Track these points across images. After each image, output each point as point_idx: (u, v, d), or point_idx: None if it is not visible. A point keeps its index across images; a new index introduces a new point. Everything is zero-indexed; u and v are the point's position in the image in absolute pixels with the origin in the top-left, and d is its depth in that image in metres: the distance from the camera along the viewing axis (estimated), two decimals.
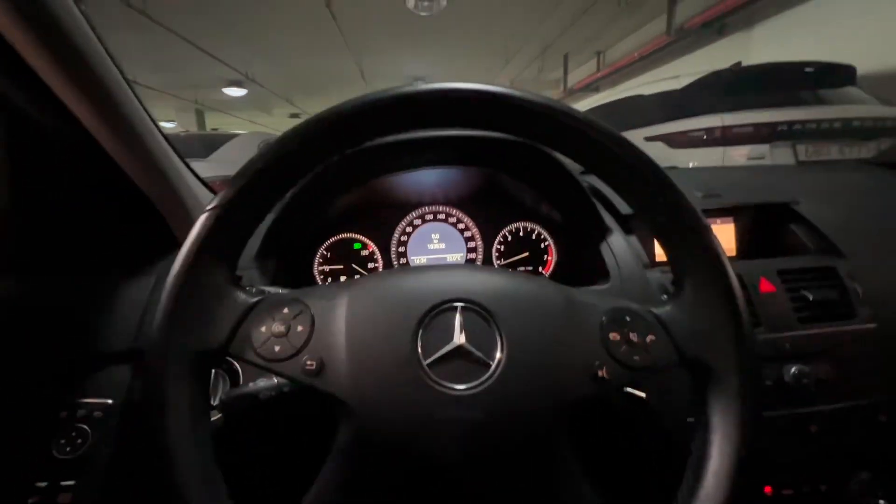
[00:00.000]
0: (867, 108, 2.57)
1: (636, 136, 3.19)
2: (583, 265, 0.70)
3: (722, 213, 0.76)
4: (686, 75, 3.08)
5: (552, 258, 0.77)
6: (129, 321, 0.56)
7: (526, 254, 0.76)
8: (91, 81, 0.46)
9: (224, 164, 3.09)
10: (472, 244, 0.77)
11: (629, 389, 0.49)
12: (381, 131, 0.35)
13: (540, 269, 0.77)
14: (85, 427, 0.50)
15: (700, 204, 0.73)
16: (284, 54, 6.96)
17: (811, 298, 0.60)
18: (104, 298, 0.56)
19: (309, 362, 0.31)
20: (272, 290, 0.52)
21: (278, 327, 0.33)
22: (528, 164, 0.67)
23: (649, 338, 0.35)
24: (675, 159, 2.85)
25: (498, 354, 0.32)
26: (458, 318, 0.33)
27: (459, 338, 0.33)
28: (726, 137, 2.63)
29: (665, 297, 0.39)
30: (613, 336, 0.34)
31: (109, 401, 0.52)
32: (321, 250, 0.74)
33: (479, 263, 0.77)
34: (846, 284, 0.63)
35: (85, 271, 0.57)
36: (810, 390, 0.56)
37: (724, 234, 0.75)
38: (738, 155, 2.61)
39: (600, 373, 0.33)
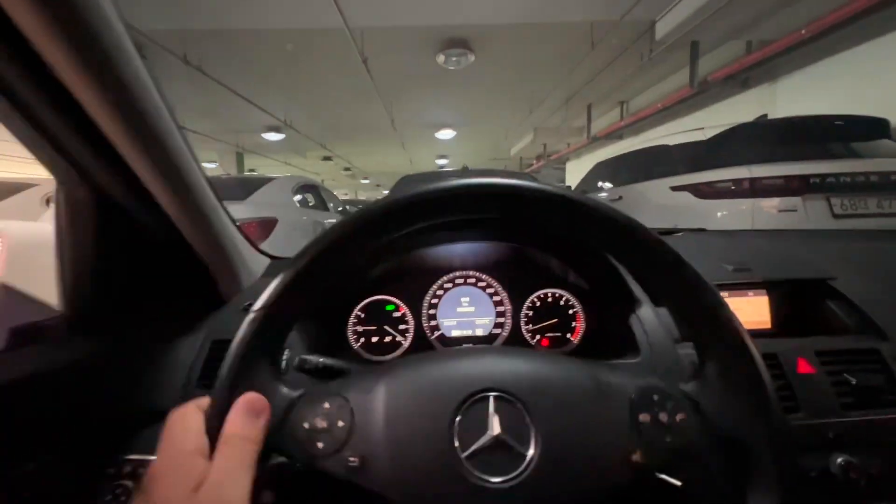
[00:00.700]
0: None
1: (662, 186, 3.21)
2: (612, 334, 0.70)
3: (754, 285, 0.75)
4: (711, 127, 3.11)
5: (580, 325, 0.77)
6: (176, 379, 0.59)
7: (555, 320, 0.77)
8: (168, 165, 0.52)
9: (260, 206, 3.27)
10: (500, 308, 0.79)
11: (664, 476, 0.48)
12: (387, 235, 0.37)
13: (568, 335, 0.77)
14: (129, 484, 0.52)
15: (730, 277, 0.73)
16: (320, 103, 7.47)
17: (854, 383, 0.58)
18: (155, 357, 0.60)
19: (352, 458, 0.32)
20: (311, 358, 0.55)
21: (321, 423, 0.34)
22: (558, 240, 0.70)
23: (679, 416, 0.35)
24: (703, 209, 2.83)
25: (532, 445, 0.33)
26: (491, 408, 0.34)
27: (495, 428, 0.33)
28: (755, 189, 2.61)
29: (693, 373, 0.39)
30: (644, 417, 0.35)
31: (153, 458, 0.54)
32: (356, 311, 0.77)
33: (507, 328, 0.78)
34: (892, 369, 0.60)
35: (143, 334, 0.61)
36: (860, 485, 0.53)
37: (758, 307, 0.75)
38: (769, 206, 2.57)
39: (634, 457, 0.33)
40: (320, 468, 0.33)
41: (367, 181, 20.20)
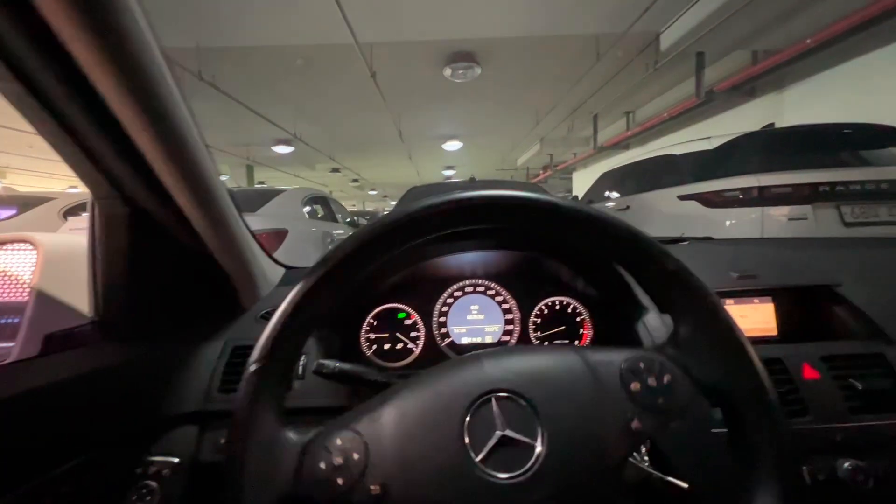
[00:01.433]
0: None
1: (669, 195, 3.21)
2: (619, 342, 0.72)
3: (760, 293, 0.76)
4: (717, 136, 3.12)
5: (588, 332, 0.79)
6: (199, 385, 0.62)
7: (562, 327, 0.79)
8: (196, 179, 0.55)
9: (271, 218, 3.34)
10: (509, 316, 0.81)
11: (671, 479, 0.49)
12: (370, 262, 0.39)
13: (576, 342, 0.79)
14: (154, 484, 0.55)
15: (735, 285, 0.75)
16: (329, 117, 7.61)
17: (860, 388, 0.59)
18: (180, 363, 0.63)
19: (373, 488, 0.33)
20: (329, 363, 0.58)
21: (337, 459, 0.34)
22: (565, 248, 0.72)
23: (666, 378, 0.37)
24: (711, 219, 2.82)
25: (539, 435, 0.35)
26: (495, 409, 0.36)
27: (502, 427, 0.35)
28: (764, 198, 2.61)
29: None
30: (634, 386, 0.37)
31: (176, 459, 0.57)
32: (368, 319, 0.79)
33: (516, 335, 0.80)
34: None
35: (170, 340, 0.64)
36: (867, 488, 0.54)
37: (764, 315, 0.76)
38: (779, 215, 2.56)
39: (633, 425, 0.35)
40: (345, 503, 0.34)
41: (374, 192, 20.39)
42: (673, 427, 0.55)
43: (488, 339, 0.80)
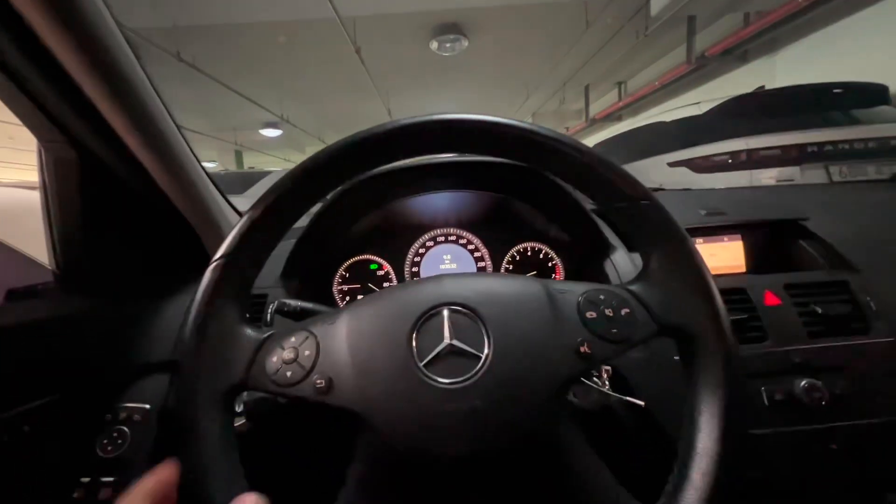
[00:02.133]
0: None
1: (659, 163, 3.19)
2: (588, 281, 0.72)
3: (729, 230, 0.76)
4: (707, 101, 3.09)
5: (559, 276, 0.79)
6: (168, 334, 0.62)
7: (534, 272, 0.79)
8: (141, 116, 0.53)
9: None
10: (481, 264, 0.81)
11: (628, 398, 0.50)
12: (363, 168, 0.41)
13: None
14: (125, 429, 0.55)
15: (703, 221, 0.75)
16: (317, 97, 7.46)
17: (820, 312, 0.60)
18: (147, 314, 0.63)
19: (318, 381, 0.34)
20: (291, 301, 0.58)
21: (288, 354, 0.36)
22: (536, 189, 0.71)
23: (624, 311, 0.37)
24: (700, 184, 2.81)
25: (486, 346, 0.35)
26: (446, 320, 0.36)
27: (449, 337, 0.35)
28: (752, 161, 2.60)
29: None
30: (590, 315, 0.37)
31: (147, 406, 0.57)
32: (340, 271, 0.79)
33: None
34: (859, 299, 0.62)
35: (134, 291, 0.64)
36: (824, 405, 0.55)
37: (733, 251, 0.76)
38: (767, 178, 2.56)
39: (583, 349, 0.35)
40: (292, 395, 0.35)
41: None
42: (633, 357, 0.56)
43: None
